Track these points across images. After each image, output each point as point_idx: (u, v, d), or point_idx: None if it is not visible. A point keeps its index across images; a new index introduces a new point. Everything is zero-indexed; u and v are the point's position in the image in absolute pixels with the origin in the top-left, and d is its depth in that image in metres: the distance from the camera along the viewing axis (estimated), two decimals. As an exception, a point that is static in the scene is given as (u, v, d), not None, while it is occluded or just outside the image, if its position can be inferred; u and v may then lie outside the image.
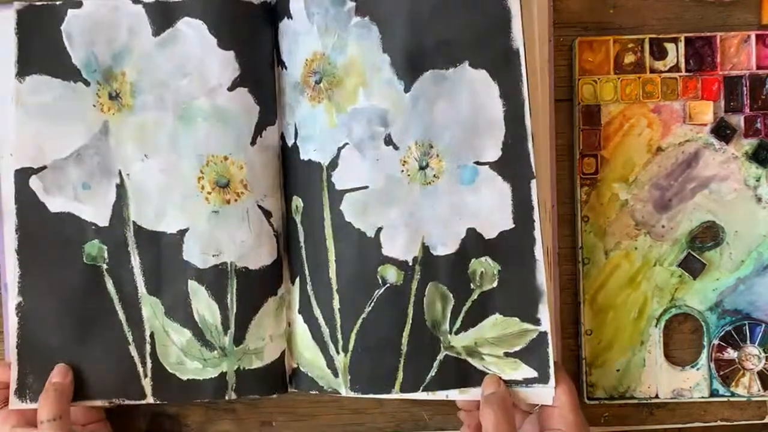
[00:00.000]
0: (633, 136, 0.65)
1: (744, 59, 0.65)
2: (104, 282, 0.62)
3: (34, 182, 0.62)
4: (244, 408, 0.68)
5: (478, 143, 0.60)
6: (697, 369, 0.66)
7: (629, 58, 0.65)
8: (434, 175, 0.60)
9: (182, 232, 0.62)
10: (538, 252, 0.60)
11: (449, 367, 0.61)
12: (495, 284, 0.60)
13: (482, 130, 0.59)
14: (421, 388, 0.61)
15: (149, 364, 0.63)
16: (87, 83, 0.62)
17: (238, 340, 0.62)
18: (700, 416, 0.67)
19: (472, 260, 0.60)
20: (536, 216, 0.59)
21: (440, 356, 0.61)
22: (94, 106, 0.62)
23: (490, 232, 0.60)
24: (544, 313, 0.60)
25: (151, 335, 0.63)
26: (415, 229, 0.60)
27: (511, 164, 0.60)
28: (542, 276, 0.60)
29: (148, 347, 0.63)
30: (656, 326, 0.65)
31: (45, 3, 0.62)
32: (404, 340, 0.61)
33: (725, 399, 0.66)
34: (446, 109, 0.59)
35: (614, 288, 0.66)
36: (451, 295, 0.61)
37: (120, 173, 0.62)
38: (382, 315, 0.61)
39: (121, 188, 0.62)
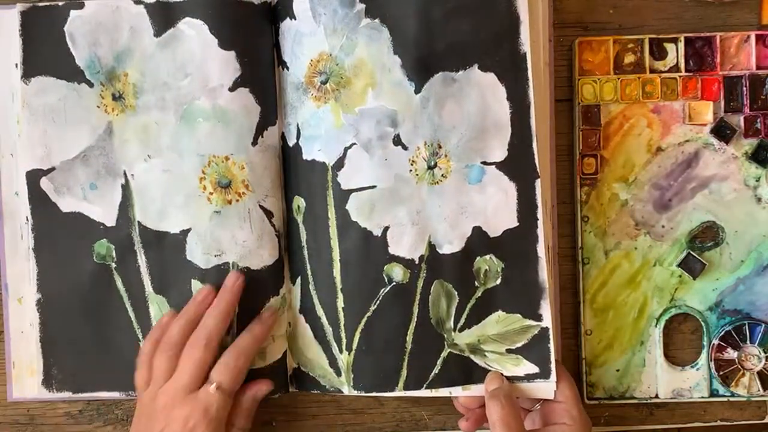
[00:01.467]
0: (633, 136, 0.65)
1: (744, 59, 0.65)
2: (114, 280, 0.63)
3: (45, 183, 0.63)
4: (245, 407, 0.68)
5: (486, 144, 0.61)
6: (697, 369, 0.65)
7: (629, 58, 0.65)
8: (442, 175, 0.60)
9: (185, 232, 0.63)
10: (541, 249, 0.61)
11: (452, 365, 0.62)
12: (498, 282, 0.61)
13: (489, 131, 0.61)
14: (425, 385, 0.62)
15: None
16: (91, 84, 0.62)
17: (241, 339, 0.63)
18: (700, 416, 0.67)
19: (477, 258, 0.61)
20: (539, 214, 0.61)
21: (444, 354, 0.62)
22: (98, 107, 0.63)
23: (495, 231, 0.61)
24: (546, 309, 0.61)
25: None
26: (422, 228, 0.61)
27: (517, 164, 0.61)
28: (544, 273, 0.61)
29: None
30: (656, 326, 0.65)
31: (48, 4, 0.62)
32: (409, 338, 0.61)
33: (725, 399, 0.66)
34: (455, 111, 0.60)
35: (614, 288, 0.66)
36: (456, 292, 0.61)
37: (125, 173, 0.63)
38: (388, 313, 0.61)
39: (126, 188, 0.63)
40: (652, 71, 0.65)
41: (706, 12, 0.66)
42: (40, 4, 0.62)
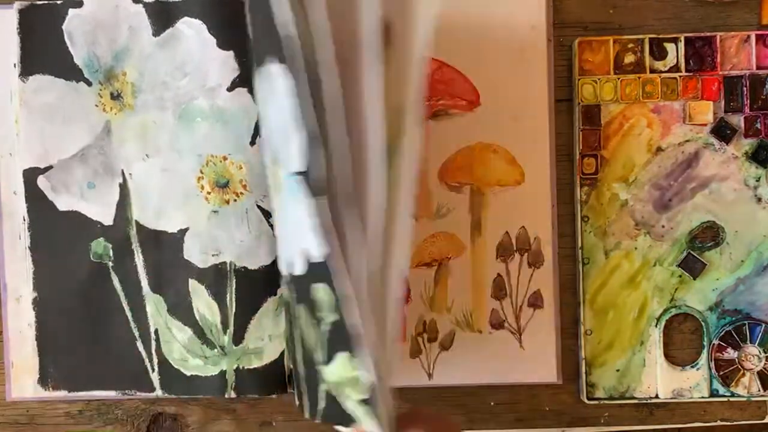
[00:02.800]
0: (633, 136, 0.65)
1: (744, 59, 0.65)
2: (111, 279, 0.63)
3: (42, 182, 0.63)
4: (244, 408, 0.68)
5: (288, 151, 0.47)
6: (697, 369, 0.65)
7: (629, 58, 0.65)
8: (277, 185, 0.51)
9: (182, 232, 0.63)
10: (348, 287, 0.46)
11: (332, 402, 0.49)
12: (338, 317, 0.46)
13: (287, 135, 0.47)
14: (318, 418, 0.51)
15: (155, 359, 0.64)
16: (89, 83, 0.62)
17: (238, 339, 0.63)
18: (700, 416, 0.67)
19: (313, 285, 0.47)
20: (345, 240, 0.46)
21: (323, 387, 0.50)
22: (97, 105, 0.62)
23: (316, 255, 0.46)
24: (366, 359, 0.46)
25: (156, 332, 0.64)
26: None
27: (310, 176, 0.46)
28: (354, 317, 0.45)
29: (153, 343, 0.64)
30: (656, 326, 0.65)
31: (46, 2, 0.62)
32: (299, 366, 0.54)
33: (725, 399, 0.66)
34: (267, 112, 0.52)
35: (614, 288, 0.66)
36: (314, 321, 0.48)
37: (122, 173, 0.63)
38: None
39: (124, 187, 0.63)
40: (652, 71, 0.65)
41: (706, 12, 0.66)
42: (38, 2, 0.62)
